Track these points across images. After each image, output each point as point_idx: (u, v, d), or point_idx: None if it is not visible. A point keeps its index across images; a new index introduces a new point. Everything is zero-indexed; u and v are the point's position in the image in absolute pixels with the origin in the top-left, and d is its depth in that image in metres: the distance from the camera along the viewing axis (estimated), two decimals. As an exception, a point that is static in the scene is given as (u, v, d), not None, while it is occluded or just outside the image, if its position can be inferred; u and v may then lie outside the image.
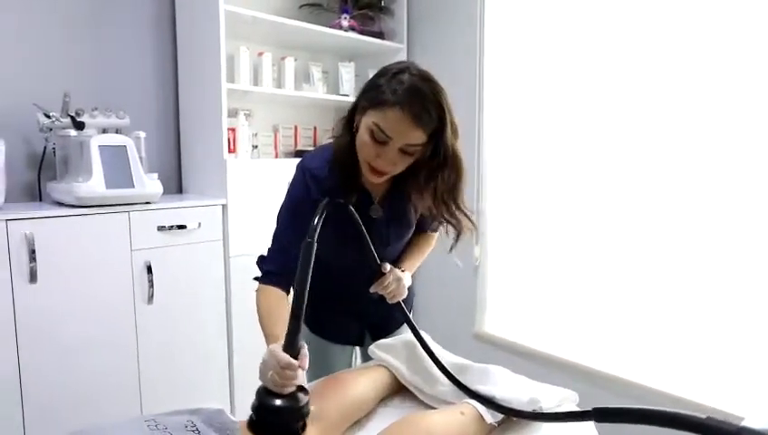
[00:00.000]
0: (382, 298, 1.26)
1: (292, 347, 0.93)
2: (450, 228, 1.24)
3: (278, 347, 0.93)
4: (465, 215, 1.18)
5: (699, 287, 1.77)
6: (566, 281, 2.16)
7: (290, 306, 1.07)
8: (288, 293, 1.17)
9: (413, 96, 1.00)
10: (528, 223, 2.28)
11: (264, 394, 0.94)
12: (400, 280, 1.22)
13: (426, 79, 1.04)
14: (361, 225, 1.12)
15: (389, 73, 1.04)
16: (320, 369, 1.44)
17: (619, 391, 1.97)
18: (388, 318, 1.44)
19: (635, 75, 1.88)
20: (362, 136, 1.06)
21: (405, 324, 1.48)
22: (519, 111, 2.26)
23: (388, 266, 1.20)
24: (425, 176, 1.10)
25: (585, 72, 2.02)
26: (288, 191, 1.21)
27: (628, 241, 1.95)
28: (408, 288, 1.35)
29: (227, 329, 2.08)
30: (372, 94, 1.04)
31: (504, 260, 2.40)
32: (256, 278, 1.20)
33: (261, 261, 1.21)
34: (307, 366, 0.94)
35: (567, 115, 2.10)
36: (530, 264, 2.29)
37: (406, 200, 1.21)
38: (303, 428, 0.97)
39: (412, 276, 1.35)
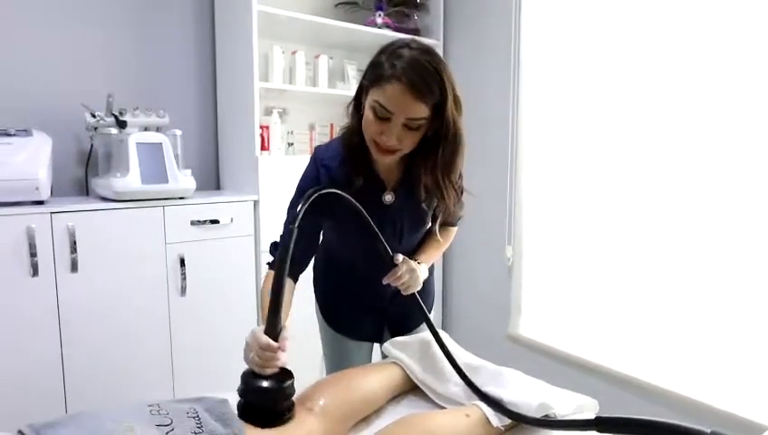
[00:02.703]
0: (399, 291, 1.24)
1: (272, 329, 0.96)
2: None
3: (260, 329, 0.96)
4: (457, 194, 1.16)
5: (743, 298, 1.66)
6: (604, 283, 2.07)
7: (288, 292, 1.12)
8: (295, 280, 1.20)
9: (412, 69, 0.98)
10: (565, 223, 2.20)
11: (248, 376, 0.97)
12: (414, 271, 1.20)
13: (426, 52, 1.02)
14: (363, 211, 1.11)
15: (390, 50, 1.03)
16: (337, 364, 1.47)
17: (657, 399, 1.87)
18: (406, 316, 1.43)
19: (675, 73, 1.78)
20: (367, 115, 1.06)
21: (424, 323, 1.48)
22: (555, 108, 2.19)
23: (400, 257, 1.18)
24: (426, 150, 1.09)
25: (624, 70, 1.93)
26: (299, 181, 1.23)
27: (669, 245, 1.84)
28: (426, 284, 1.36)
29: (257, 321, 2.13)
30: (373, 72, 1.04)
31: (540, 261, 2.32)
32: (269, 263, 1.22)
33: (272, 247, 1.23)
34: (287, 348, 0.95)
35: (605, 114, 2.01)
36: (566, 265, 2.21)
37: (419, 188, 1.19)
38: (290, 409, 0.98)
39: (429, 270, 1.34)
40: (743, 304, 1.67)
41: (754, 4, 1.59)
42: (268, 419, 0.96)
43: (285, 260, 0.96)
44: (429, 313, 1.49)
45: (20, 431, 0.79)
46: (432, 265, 1.46)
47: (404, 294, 1.22)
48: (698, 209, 1.76)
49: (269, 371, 0.95)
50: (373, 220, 1.16)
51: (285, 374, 0.98)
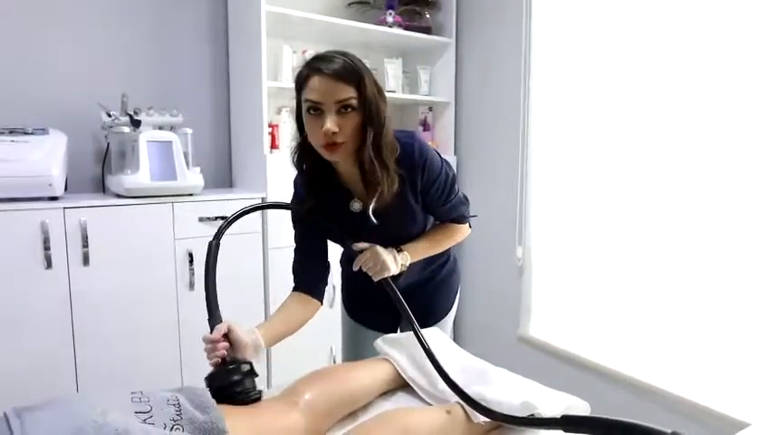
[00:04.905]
0: (414, 286, 1.36)
1: (210, 327, 1.10)
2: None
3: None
4: (388, 172, 1.13)
5: (762, 305, 1.59)
6: (615, 285, 2.03)
7: (297, 306, 1.24)
8: (309, 292, 1.26)
9: (323, 59, 1.08)
10: (576, 224, 2.16)
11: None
12: (378, 256, 1.21)
13: (339, 52, 1.11)
14: (321, 218, 1.25)
15: (306, 63, 1.12)
16: (352, 352, 1.53)
17: (670, 406, 1.81)
18: (422, 311, 1.40)
19: (687, 75, 1.74)
20: (307, 122, 1.11)
21: (442, 319, 1.50)
22: (567, 108, 2.15)
23: (362, 245, 1.23)
24: (361, 141, 1.11)
25: (636, 70, 1.89)
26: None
27: (682, 244, 1.79)
28: (449, 280, 1.46)
29: (266, 317, 2.16)
30: (297, 83, 1.12)
31: (551, 262, 2.29)
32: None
33: (293, 271, 1.32)
34: (217, 337, 1.06)
35: (617, 115, 1.97)
36: (578, 266, 2.17)
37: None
38: (241, 392, 1.04)
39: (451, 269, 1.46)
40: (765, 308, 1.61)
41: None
42: (224, 400, 1.03)
43: (210, 273, 1.18)
44: (450, 310, 1.52)
45: (5, 413, 0.83)
46: (454, 262, 1.50)
47: (374, 280, 1.23)
48: (713, 211, 1.71)
49: (213, 361, 1.05)
50: (350, 227, 1.24)
51: (231, 362, 1.06)
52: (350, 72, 1.06)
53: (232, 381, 1.04)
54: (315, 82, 1.06)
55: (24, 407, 0.83)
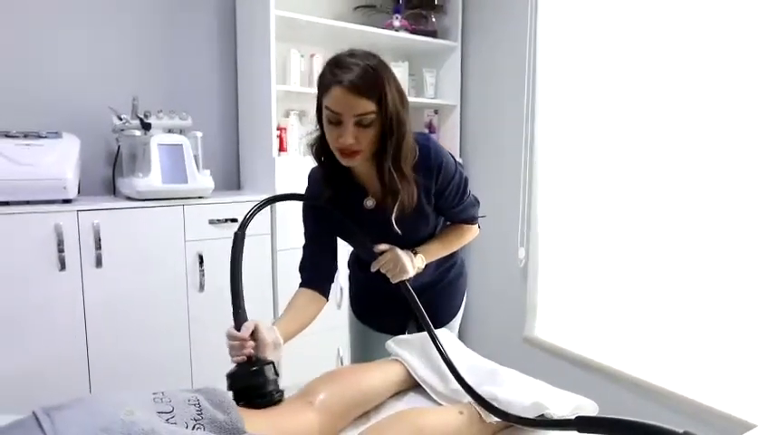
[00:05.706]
0: (426, 287, 1.34)
1: (236, 321, 1.10)
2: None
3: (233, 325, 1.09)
4: (407, 182, 1.15)
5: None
6: (621, 285, 2.05)
7: (308, 302, 1.24)
8: (317, 289, 1.27)
9: (347, 70, 1.05)
10: (582, 223, 2.18)
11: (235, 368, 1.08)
12: (398, 259, 1.22)
13: (365, 56, 1.09)
14: (337, 211, 1.24)
15: (332, 61, 1.10)
16: (361, 355, 1.54)
17: (676, 407, 1.83)
18: (430, 314, 1.38)
19: (693, 76, 1.76)
20: (325, 125, 1.12)
21: (449, 322, 1.51)
22: (571, 110, 2.17)
23: (381, 247, 1.23)
24: (379, 146, 1.12)
25: (640, 74, 1.91)
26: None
27: (686, 242, 1.81)
28: (456, 283, 1.47)
29: (274, 317, 2.19)
30: (320, 84, 1.11)
31: (556, 263, 2.31)
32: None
33: (300, 267, 1.33)
34: (246, 335, 1.06)
35: (620, 117, 1.99)
36: (583, 267, 2.19)
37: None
38: (268, 393, 1.06)
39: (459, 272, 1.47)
40: None
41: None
42: (246, 400, 1.04)
43: (236, 266, 1.17)
44: (457, 313, 1.53)
45: (33, 412, 0.85)
46: (461, 264, 1.51)
47: (392, 281, 1.24)
48: (721, 213, 1.72)
49: (238, 359, 1.06)
50: (361, 224, 1.24)
51: (256, 362, 1.06)
52: (370, 86, 1.05)
53: (258, 384, 1.05)
54: (336, 92, 1.05)
55: (51, 406, 0.85)
